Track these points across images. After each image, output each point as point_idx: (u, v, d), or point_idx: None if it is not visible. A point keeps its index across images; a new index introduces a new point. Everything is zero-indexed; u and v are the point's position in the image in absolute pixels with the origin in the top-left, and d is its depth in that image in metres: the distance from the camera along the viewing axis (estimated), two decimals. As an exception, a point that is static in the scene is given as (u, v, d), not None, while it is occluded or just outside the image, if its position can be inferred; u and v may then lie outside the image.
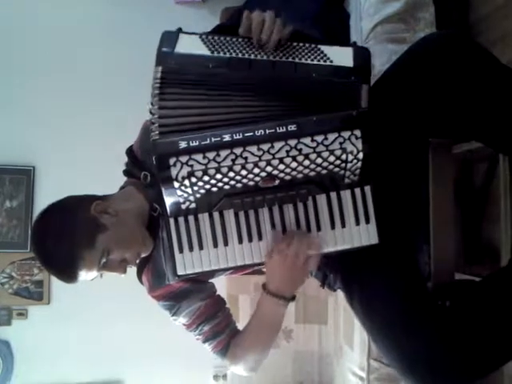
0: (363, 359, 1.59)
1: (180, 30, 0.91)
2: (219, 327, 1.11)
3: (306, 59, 0.87)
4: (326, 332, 2.39)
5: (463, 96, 0.89)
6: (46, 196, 2.45)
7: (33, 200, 2.51)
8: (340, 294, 1.96)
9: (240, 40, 0.90)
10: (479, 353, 0.88)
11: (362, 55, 0.88)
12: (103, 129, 2.50)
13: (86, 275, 1.02)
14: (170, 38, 0.89)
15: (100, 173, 2.20)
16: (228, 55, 0.87)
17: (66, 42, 2.57)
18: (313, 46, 0.90)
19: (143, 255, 1.10)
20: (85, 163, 2.48)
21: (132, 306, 2.21)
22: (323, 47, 0.89)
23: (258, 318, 1.05)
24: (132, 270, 1.12)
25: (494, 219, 1.42)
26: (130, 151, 1.19)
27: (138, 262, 1.11)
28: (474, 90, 0.89)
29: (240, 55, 0.87)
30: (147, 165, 1.10)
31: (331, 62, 0.87)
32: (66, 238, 1.00)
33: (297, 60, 0.87)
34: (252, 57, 0.87)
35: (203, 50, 0.88)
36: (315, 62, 0.86)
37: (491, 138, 0.98)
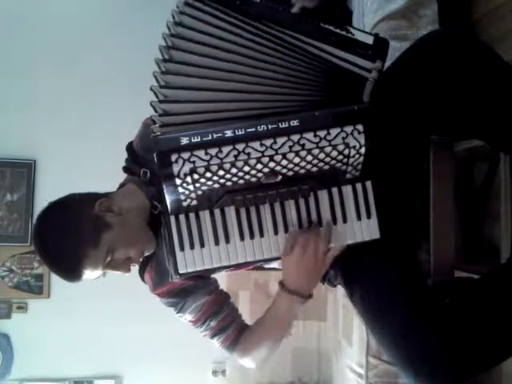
0: (362, 356, 1.60)
1: None
2: (226, 321, 1.11)
3: (330, 26, 0.89)
4: (325, 329, 2.40)
5: (465, 94, 0.89)
6: (46, 190, 2.46)
7: (33, 193, 2.50)
8: (339, 291, 1.97)
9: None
10: (478, 349, 0.88)
11: (382, 41, 0.90)
12: (104, 123, 2.50)
13: (90, 274, 1.02)
14: None
15: (101, 167, 2.20)
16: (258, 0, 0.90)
17: (68, 36, 2.56)
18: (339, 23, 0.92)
19: (147, 253, 1.09)
20: (85, 157, 2.48)
21: (132, 302, 2.22)
22: (348, 27, 0.91)
23: (272, 315, 1.04)
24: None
25: (494, 217, 1.42)
26: (129, 147, 1.18)
27: (140, 260, 1.11)
28: (476, 87, 0.89)
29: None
30: (146, 161, 1.09)
31: (353, 35, 0.88)
32: (70, 237, 0.99)
33: (321, 24, 0.89)
34: (280, 9, 0.89)
35: None
36: (337, 31, 0.88)
37: (492, 137, 0.99)
